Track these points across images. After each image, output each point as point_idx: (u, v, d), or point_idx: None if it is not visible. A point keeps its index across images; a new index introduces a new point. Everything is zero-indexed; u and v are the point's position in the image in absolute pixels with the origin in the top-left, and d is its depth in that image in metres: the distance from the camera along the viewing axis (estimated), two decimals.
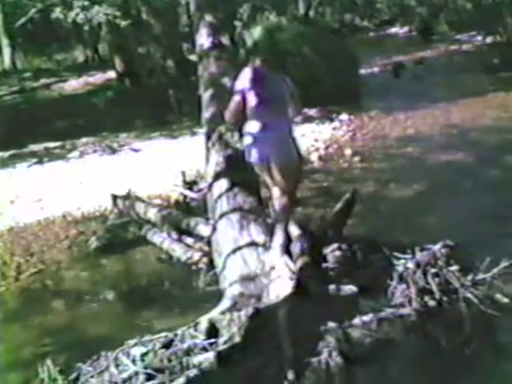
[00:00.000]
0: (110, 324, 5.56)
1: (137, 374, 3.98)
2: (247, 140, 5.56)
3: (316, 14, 26.21)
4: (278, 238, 5.43)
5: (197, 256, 6.38)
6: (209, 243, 6.23)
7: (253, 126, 5.50)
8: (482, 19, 21.73)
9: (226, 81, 7.11)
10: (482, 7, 22.09)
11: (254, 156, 5.60)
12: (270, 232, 5.64)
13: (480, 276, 4.79)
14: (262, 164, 5.59)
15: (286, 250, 5.42)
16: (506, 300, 4.69)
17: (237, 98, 5.50)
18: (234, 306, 4.68)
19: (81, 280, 6.78)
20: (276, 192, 5.68)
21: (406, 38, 28.69)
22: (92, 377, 4.11)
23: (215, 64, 7.46)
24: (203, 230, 6.68)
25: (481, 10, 22.33)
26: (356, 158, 10.00)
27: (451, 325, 4.52)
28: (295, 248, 5.40)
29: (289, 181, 5.65)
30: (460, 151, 9.70)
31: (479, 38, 22.76)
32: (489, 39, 21.44)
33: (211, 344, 4.20)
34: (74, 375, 4.19)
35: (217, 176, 6.39)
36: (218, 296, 5.12)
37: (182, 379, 3.85)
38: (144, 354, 4.18)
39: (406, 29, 31.07)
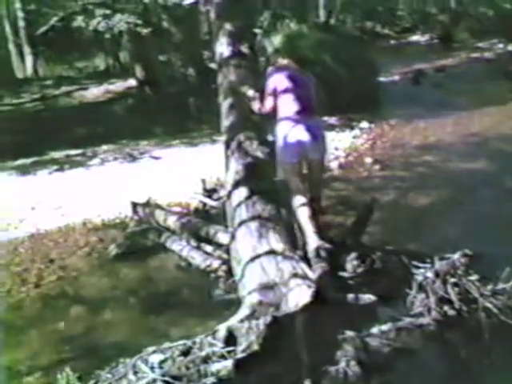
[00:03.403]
0: (128, 331, 5.57)
1: (155, 381, 3.99)
2: (286, 132, 6.00)
3: (337, 21, 26.18)
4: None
5: (216, 264, 6.38)
6: (228, 251, 6.23)
7: (289, 123, 6.04)
8: (503, 26, 21.65)
9: (246, 89, 7.13)
10: (503, 14, 22.00)
11: (289, 152, 5.97)
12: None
13: (500, 286, 4.75)
14: (298, 160, 5.99)
15: (305, 258, 5.46)
16: None
17: (270, 96, 6.19)
18: (253, 315, 4.67)
19: (100, 287, 6.80)
20: (302, 199, 5.77)
21: (427, 46, 28.53)
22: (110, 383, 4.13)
23: (235, 72, 7.47)
24: (222, 237, 6.69)
25: (502, 17, 22.24)
26: (376, 167, 9.97)
27: (471, 334, 4.49)
28: (314, 256, 5.42)
29: (320, 179, 6.22)
30: (481, 160, 9.65)
31: (500, 45, 22.68)
32: (510, 46, 21.34)
33: (229, 352, 4.20)
34: (92, 382, 4.20)
35: (236, 184, 6.40)
36: (237, 304, 5.12)
37: None
38: (162, 362, 4.19)
39: (427, 36, 30.96)
